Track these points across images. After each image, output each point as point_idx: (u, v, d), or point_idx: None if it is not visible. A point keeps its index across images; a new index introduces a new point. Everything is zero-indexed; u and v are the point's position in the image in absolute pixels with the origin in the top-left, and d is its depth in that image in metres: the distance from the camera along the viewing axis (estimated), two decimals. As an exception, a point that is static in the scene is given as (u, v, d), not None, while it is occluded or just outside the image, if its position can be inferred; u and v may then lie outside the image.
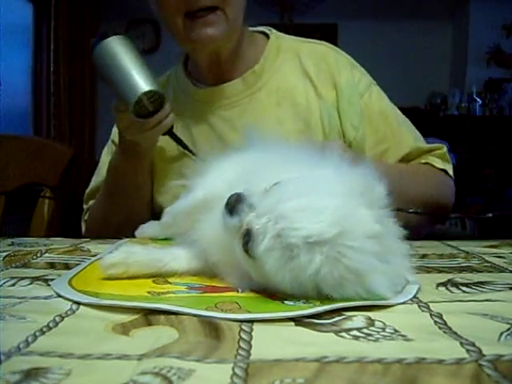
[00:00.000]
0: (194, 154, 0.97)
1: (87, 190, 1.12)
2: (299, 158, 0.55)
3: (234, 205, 0.47)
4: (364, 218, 0.45)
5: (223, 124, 1.01)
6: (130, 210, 0.98)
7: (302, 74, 1.01)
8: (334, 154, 0.55)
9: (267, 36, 1.06)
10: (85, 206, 1.12)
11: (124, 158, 0.98)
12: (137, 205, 1.01)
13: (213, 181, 0.61)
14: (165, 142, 1.00)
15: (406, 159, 1.00)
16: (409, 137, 1.01)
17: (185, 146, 0.97)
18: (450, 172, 1.01)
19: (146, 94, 0.87)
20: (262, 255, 0.44)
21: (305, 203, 0.44)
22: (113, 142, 1.11)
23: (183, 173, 0.82)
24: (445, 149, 1.03)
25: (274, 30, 1.08)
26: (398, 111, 1.05)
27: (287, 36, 1.08)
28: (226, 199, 0.48)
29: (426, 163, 1.00)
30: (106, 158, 1.10)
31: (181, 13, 0.90)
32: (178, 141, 0.96)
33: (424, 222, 0.93)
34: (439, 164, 0.99)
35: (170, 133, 0.94)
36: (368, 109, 0.99)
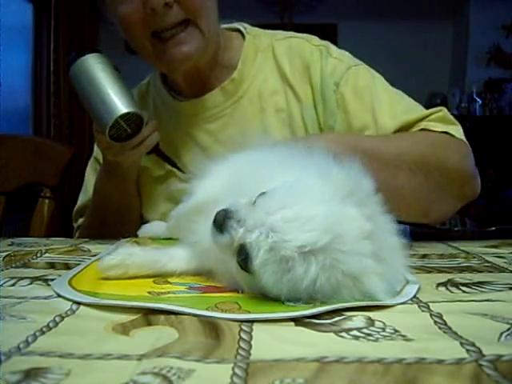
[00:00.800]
0: (181, 171, 0.93)
1: (75, 208, 1.10)
2: (288, 160, 0.54)
3: (222, 222, 0.46)
4: (354, 219, 0.45)
5: (208, 137, 0.97)
6: (119, 230, 0.92)
7: (280, 77, 0.95)
8: (320, 151, 0.53)
9: (242, 34, 1.00)
10: (75, 225, 1.10)
11: (108, 179, 0.96)
12: (126, 223, 0.97)
13: (211, 184, 0.60)
14: (150, 160, 0.97)
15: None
16: (393, 111, 0.87)
17: (173, 164, 0.93)
18: (457, 133, 0.85)
19: (122, 116, 0.82)
20: (257, 270, 0.44)
21: (294, 213, 0.44)
22: (96, 159, 1.08)
23: (170, 191, 0.79)
24: (444, 111, 0.88)
25: (249, 27, 1.02)
26: (384, 86, 0.92)
27: (263, 32, 1.01)
28: (213, 216, 0.47)
29: (421, 130, 0.85)
30: (90, 174, 1.08)
31: (147, 34, 0.84)
32: (165, 158, 0.93)
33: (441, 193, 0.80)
34: (438, 127, 0.84)
35: (155, 150, 0.90)
36: (344, 98, 0.90)
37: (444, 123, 0.86)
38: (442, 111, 0.88)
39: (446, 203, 0.85)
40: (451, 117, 0.89)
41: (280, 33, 1.01)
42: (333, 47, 0.96)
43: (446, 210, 0.86)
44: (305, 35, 0.98)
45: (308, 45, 0.96)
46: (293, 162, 0.53)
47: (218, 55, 0.96)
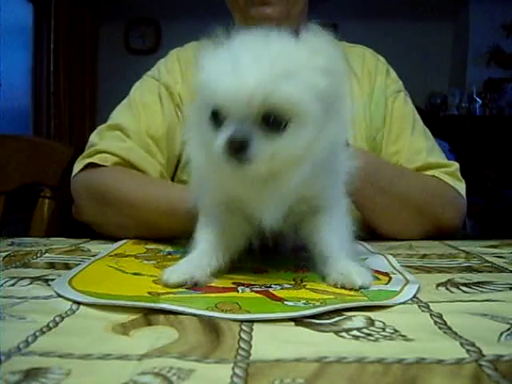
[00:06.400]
0: None
1: (104, 124, 0.97)
2: None
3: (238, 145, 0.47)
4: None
5: None
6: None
7: (348, 71, 1.02)
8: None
9: None
10: (95, 140, 0.94)
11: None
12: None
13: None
14: None
15: (412, 166, 0.98)
16: (421, 144, 1.00)
17: None
18: (462, 191, 0.97)
19: None
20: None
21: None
22: (164, 85, 1.00)
23: None
24: (456, 166, 0.99)
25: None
26: (420, 121, 1.06)
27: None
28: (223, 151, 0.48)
29: (434, 176, 0.96)
30: (146, 95, 0.99)
31: None
32: None
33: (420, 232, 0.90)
34: (448, 180, 0.96)
35: None
36: (388, 111, 1.04)
37: (453, 178, 0.97)
38: (455, 166, 0.99)
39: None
40: (459, 174, 1.00)
41: (348, 43, 1.13)
42: (391, 69, 1.11)
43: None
44: (368, 48, 1.13)
45: (374, 58, 1.10)
46: None
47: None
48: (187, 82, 1.00)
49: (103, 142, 0.93)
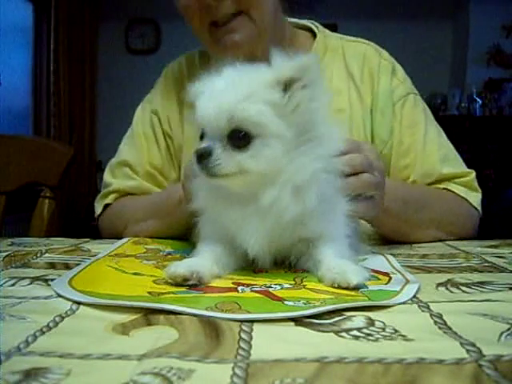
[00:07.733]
0: None
1: (115, 160, 1.04)
2: None
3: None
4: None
5: None
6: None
7: (347, 76, 0.98)
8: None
9: (313, 32, 1.04)
10: (109, 179, 1.03)
11: None
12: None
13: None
14: None
15: (425, 182, 0.94)
16: (434, 156, 0.94)
17: None
18: (476, 202, 0.93)
19: None
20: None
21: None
22: (154, 112, 1.03)
23: None
24: (472, 175, 0.95)
25: (321, 27, 1.05)
26: (433, 124, 0.98)
27: (333, 34, 1.05)
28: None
29: (446, 189, 0.93)
30: (144, 124, 1.04)
31: (206, 23, 0.88)
32: None
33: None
34: (462, 192, 0.92)
35: None
36: (397, 119, 0.95)
37: (467, 189, 0.94)
38: (470, 176, 0.95)
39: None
40: (475, 184, 0.95)
41: (349, 37, 1.06)
42: (398, 67, 1.01)
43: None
44: (375, 45, 1.04)
45: (377, 56, 1.00)
46: None
47: (281, 46, 0.97)
48: (174, 100, 1.02)
49: (115, 181, 1.02)
